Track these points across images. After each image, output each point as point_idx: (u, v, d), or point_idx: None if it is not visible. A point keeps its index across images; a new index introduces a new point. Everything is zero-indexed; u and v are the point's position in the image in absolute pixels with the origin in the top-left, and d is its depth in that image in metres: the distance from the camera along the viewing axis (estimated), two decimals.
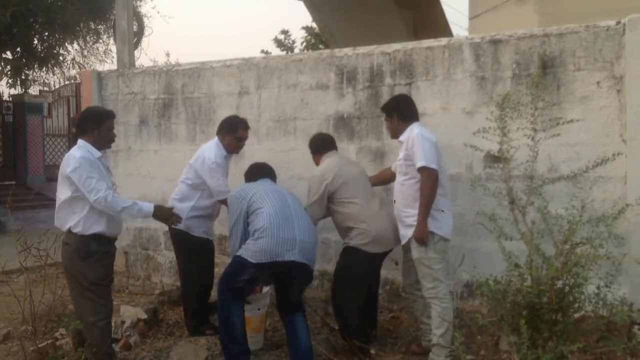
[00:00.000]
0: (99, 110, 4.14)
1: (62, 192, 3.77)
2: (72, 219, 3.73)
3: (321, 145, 4.64)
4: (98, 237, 3.76)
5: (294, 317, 4.05)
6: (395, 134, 4.21)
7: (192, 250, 4.84)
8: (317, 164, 4.59)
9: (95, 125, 3.86)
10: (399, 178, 4.11)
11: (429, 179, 3.84)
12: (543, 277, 2.98)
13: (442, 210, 3.97)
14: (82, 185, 3.66)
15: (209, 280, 4.95)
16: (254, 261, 3.90)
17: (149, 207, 3.97)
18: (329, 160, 4.47)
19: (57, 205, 3.84)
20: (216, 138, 4.86)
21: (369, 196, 4.38)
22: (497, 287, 3.09)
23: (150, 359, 4.44)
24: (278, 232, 3.91)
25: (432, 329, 4.00)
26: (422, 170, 3.85)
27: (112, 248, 3.93)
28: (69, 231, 3.74)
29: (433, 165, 3.84)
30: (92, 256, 3.72)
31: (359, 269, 4.31)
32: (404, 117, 4.15)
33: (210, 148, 4.76)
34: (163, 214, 4.10)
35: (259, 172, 4.48)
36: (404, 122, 4.13)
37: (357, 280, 4.32)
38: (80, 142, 3.84)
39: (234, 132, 4.81)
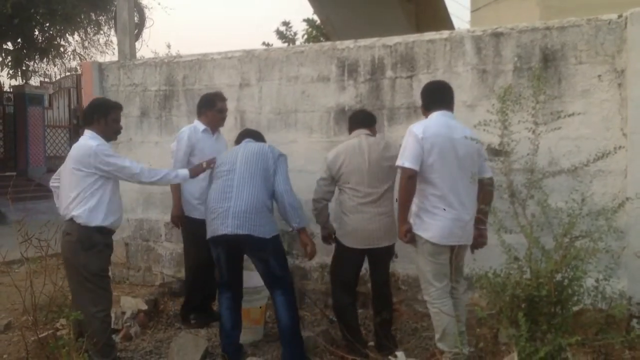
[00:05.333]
0: (106, 101, 4.17)
1: (73, 182, 3.77)
2: (76, 209, 3.74)
3: (350, 121, 4.53)
4: (100, 229, 3.78)
5: (274, 296, 4.07)
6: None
7: (194, 234, 4.87)
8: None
9: (102, 116, 3.91)
10: None
11: (402, 178, 3.73)
12: (542, 270, 2.99)
13: (431, 212, 3.75)
14: (114, 167, 3.77)
15: (209, 268, 4.93)
16: (207, 238, 4.11)
17: (185, 173, 4.21)
18: (346, 143, 4.34)
19: (62, 194, 3.86)
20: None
21: (368, 189, 4.17)
22: (497, 280, 3.10)
23: (150, 350, 4.46)
24: (215, 206, 4.02)
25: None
26: (399, 168, 3.77)
27: (111, 240, 3.96)
28: (72, 222, 3.75)
29: (407, 164, 3.67)
30: (94, 247, 3.74)
31: (340, 262, 4.32)
32: (426, 105, 3.99)
33: (184, 128, 5.01)
34: (197, 170, 4.31)
35: (242, 135, 4.59)
36: (427, 110, 3.96)
37: (339, 273, 4.32)
38: (87, 132, 3.87)
39: (213, 106, 4.92)
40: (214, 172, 4.27)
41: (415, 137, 3.71)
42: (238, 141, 4.53)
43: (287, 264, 4.21)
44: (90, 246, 3.72)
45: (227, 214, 3.93)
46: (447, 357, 3.78)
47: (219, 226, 3.96)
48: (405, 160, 3.70)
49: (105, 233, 3.84)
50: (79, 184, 3.75)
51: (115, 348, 4.08)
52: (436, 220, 3.75)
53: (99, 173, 3.76)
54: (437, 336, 3.85)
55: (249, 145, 4.31)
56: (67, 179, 3.85)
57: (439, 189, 3.75)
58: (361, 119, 4.49)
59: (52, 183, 4.17)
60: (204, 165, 4.31)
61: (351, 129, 4.48)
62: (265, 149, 4.22)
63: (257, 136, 4.57)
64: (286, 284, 4.09)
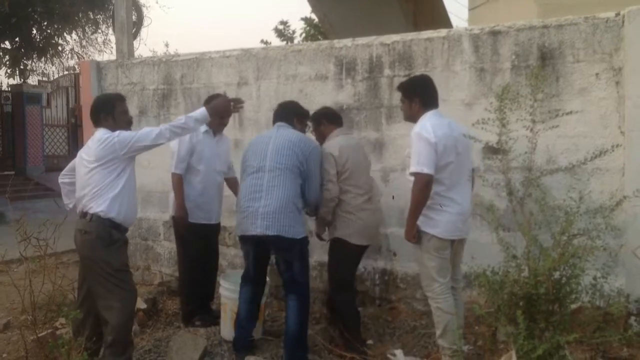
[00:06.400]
0: (107, 97, 4.12)
1: (94, 178, 3.72)
2: (97, 200, 3.70)
3: (334, 117, 4.52)
4: (117, 226, 3.77)
5: (288, 299, 4.07)
6: (410, 118, 4.00)
7: (186, 237, 4.89)
8: (324, 134, 4.47)
9: (108, 113, 3.86)
10: (406, 172, 3.98)
11: (418, 184, 3.69)
12: (540, 268, 3.00)
13: (436, 209, 3.78)
14: (137, 140, 3.73)
15: (205, 268, 4.95)
16: (237, 235, 4.12)
17: (202, 112, 3.94)
18: (339, 139, 4.34)
19: (80, 190, 3.83)
20: None
21: (366, 186, 4.30)
22: (495, 278, 3.11)
23: (149, 349, 4.46)
24: (245, 204, 4.02)
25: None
26: (414, 174, 3.72)
27: (126, 237, 3.96)
28: (89, 219, 3.72)
29: (426, 170, 3.65)
30: (115, 243, 3.73)
31: (345, 261, 4.32)
32: (425, 103, 3.92)
33: None
34: (219, 107, 4.11)
35: (276, 116, 4.42)
36: (424, 108, 3.90)
37: (342, 272, 4.34)
38: (101, 130, 3.82)
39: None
40: (244, 166, 4.21)
41: (427, 141, 3.69)
42: (274, 121, 4.39)
43: (309, 271, 4.20)
44: (111, 242, 3.70)
45: (256, 214, 3.94)
46: (446, 354, 3.81)
47: (249, 226, 3.97)
48: (424, 166, 3.67)
49: (121, 230, 3.83)
50: (101, 178, 3.71)
51: (133, 345, 4.05)
52: (442, 216, 3.78)
53: (125, 160, 3.74)
54: (437, 332, 3.86)
55: (280, 134, 4.17)
56: (85, 175, 3.77)
57: (445, 186, 3.78)
58: (340, 118, 4.56)
59: (62, 179, 4.11)
60: (232, 105, 4.15)
61: (332, 126, 4.46)
62: (296, 142, 4.09)
63: (289, 115, 4.36)
64: (303, 290, 4.09)
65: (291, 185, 4.01)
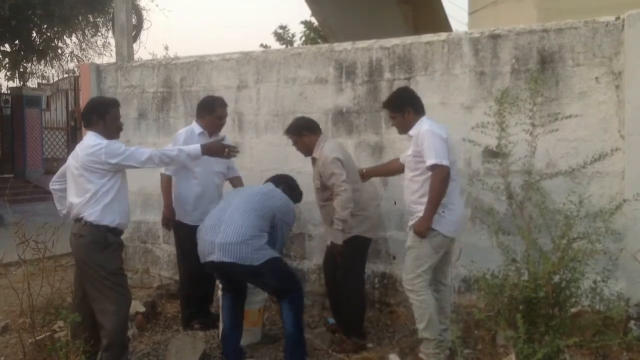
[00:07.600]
0: (102, 100, 4.12)
1: (83, 184, 3.73)
2: (89, 209, 3.70)
3: (314, 126, 4.52)
4: (112, 229, 3.77)
5: (281, 304, 4.06)
6: (406, 129, 4.06)
7: (185, 239, 4.87)
8: (308, 145, 4.46)
9: (100, 116, 3.84)
10: (407, 174, 4.03)
11: (440, 176, 3.75)
12: (540, 271, 3.00)
13: (448, 208, 3.85)
14: (125, 158, 3.74)
15: (204, 271, 4.93)
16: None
17: (196, 148, 4.07)
18: (330, 145, 4.39)
19: (70, 196, 3.83)
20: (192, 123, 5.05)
21: (359, 182, 4.47)
22: (494, 281, 3.11)
23: (148, 352, 4.46)
24: (204, 236, 4.03)
25: (416, 324, 3.94)
26: (433, 167, 3.75)
27: (122, 239, 3.95)
28: (83, 223, 3.72)
29: (445, 162, 3.74)
30: (109, 247, 3.73)
31: (363, 258, 4.46)
32: (417, 110, 4.04)
33: (180, 130, 5.04)
34: (213, 149, 4.20)
35: (271, 178, 4.62)
36: (417, 115, 4.02)
37: (362, 267, 4.47)
38: (90, 133, 3.82)
39: (212, 112, 4.88)
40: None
41: (440, 137, 3.82)
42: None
43: (293, 277, 4.15)
44: (105, 246, 3.71)
45: (212, 245, 3.91)
46: (430, 346, 3.84)
47: (207, 254, 3.96)
48: (443, 158, 3.76)
49: (116, 233, 3.83)
50: (90, 185, 3.70)
51: (128, 348, 4.04)
52: (450, 215, 3.88)
53: (112, 170, 3.73)
54: (422, 325, 3.88)
55: (251, 187, 4.42)
56: (75, 181, 3.79)
57: (453, 185, 3.88)
58: (319, 126, 4.60)
59: (53, 185, 4.11)
60: (226, 151, 4.23)
61: (314, 135, 4.46)
62: (266, 192, 4.23)
63: (279, 181, 4.50)
64: (293, 294, 4.03)
65: (255, 222, 3.97)
